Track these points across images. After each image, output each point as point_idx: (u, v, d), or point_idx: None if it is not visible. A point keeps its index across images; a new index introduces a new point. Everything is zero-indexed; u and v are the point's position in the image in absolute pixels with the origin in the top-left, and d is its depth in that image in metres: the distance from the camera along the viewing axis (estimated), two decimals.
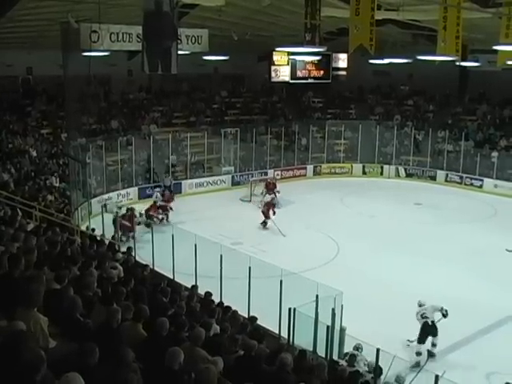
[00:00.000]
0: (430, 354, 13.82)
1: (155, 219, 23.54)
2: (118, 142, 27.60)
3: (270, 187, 27.51)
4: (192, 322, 8.43)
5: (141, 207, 23.97)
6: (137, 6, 12.66)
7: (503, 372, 12.55)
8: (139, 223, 22.34)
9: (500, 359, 13.51)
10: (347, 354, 11.16)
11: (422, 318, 13.89)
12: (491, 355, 13.72)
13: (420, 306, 14.13)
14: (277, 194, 26.75)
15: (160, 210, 24.14)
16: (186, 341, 7.39)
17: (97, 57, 20.52)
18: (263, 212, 23.95)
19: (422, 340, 13.79)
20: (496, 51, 20.06)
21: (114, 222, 20.39)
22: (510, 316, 15.99)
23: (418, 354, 13.63)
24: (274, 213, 23.85)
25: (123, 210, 22.39)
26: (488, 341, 14.71)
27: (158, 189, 26.36)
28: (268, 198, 25.61)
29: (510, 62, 21.68)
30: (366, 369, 10.20)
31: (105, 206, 24.79)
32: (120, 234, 20.51)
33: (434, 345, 13.89)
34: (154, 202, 24.45)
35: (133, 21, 18.27)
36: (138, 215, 22.60)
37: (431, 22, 21.73)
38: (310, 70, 36.45)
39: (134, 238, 20.20)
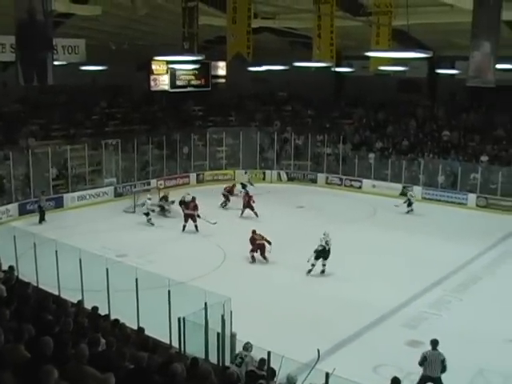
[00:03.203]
0: (322, 271, 19.60)
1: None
2: None
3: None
4: (79, 339, 8.23)
5: None
6: (9, 15, 12.22)
7: (389, 364, 13.18)
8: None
9: (384, 352, 14.07)
10: (237, 354, 11.23)
11: (327, 244, 19.37)
12: (376, 349, 14.27)
13: (324, 234, 19.58)
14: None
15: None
16: (71, 359, 7.21)
17: None
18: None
19: (317, 257, 19.42)
20: (368, 57, 20.76)
21: None
22: (390, 311, 16.65)
23: (313, 265, 19.41)
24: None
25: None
26: (372, 336, 15.24)
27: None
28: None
29: (381, 68, 22.57)
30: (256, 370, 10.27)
31: None
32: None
33: (324, 265, 19.56)
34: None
35: (5, 31, 17.63)
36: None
37: (307, 30, 22.26)
38: (189, 79, 36.56)
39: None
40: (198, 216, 24.77)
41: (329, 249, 19.47)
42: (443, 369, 11.72)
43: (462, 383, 12.60)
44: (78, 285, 14.34)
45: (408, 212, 27.98)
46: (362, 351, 14.22)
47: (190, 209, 25.09)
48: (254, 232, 21.12)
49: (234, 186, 30.21)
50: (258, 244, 20.93)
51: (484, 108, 34.19)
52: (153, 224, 25.63)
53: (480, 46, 11.60)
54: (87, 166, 30.58)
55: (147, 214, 25.78)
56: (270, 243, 20.79)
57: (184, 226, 24.83)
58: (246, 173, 33.69)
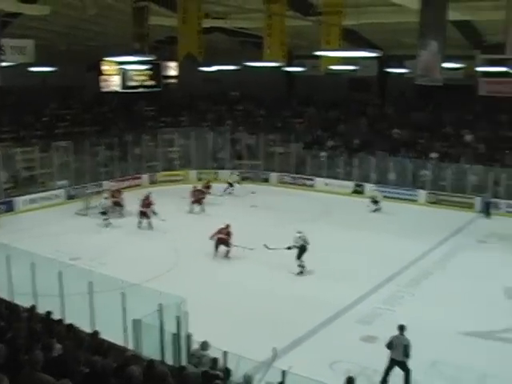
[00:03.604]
0: (300, 272, 19.39)
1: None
2: None
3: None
4: (33, 344, 8.13)
5: None
6: None
7: (345, 360, 13.39)
8: None
9: (340, 348, 14.19)
10: (193, 354, 11.24)
11: (304, 241, 19.37)
12: (332, 345, 14.40)
13: (299, 233, 19.52)
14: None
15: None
16: (25, 365, 7.12)
17: None
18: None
19: (299, 256, 19.38)
20: (319, 57, 20.93)
21: None
22: (345, 308, 16.81)
23: (301, 266, 19.41)
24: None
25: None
26: (327, 333, 15.36)
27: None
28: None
29: (332, 67, 22.78)
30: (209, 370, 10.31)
31: None
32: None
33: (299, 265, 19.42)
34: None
35: None
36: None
37: (258, 30, 22.35)
38: (140, 79, 36.37)
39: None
40: (154, 213, 24.94)
41: (307, 246, 19.51)
42: (405, 354, 12.13)
43: (415, 375, 12.76)
44: (30, 289, 14.16)
45: (375, 210, 28.32)
46: (318, 348, 14.31)
47: (143, 206, 25.18)
48: (226, 226, 21.25)
49: (208, 182, 30.55)
50: (217, 237, 21.05)
51: (432, 106, 34.75)
52: (110, 223, 25.46)
53: (427, 45, 11.86)
54: (38, 168, 30.15)
55: (104, 213, 25.65)
56: (228, 245, 21.02)
57: (139, 222, 25.04)
58: (236, 173, 33.57)
